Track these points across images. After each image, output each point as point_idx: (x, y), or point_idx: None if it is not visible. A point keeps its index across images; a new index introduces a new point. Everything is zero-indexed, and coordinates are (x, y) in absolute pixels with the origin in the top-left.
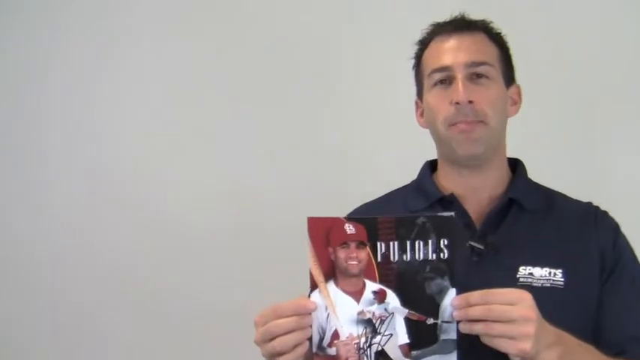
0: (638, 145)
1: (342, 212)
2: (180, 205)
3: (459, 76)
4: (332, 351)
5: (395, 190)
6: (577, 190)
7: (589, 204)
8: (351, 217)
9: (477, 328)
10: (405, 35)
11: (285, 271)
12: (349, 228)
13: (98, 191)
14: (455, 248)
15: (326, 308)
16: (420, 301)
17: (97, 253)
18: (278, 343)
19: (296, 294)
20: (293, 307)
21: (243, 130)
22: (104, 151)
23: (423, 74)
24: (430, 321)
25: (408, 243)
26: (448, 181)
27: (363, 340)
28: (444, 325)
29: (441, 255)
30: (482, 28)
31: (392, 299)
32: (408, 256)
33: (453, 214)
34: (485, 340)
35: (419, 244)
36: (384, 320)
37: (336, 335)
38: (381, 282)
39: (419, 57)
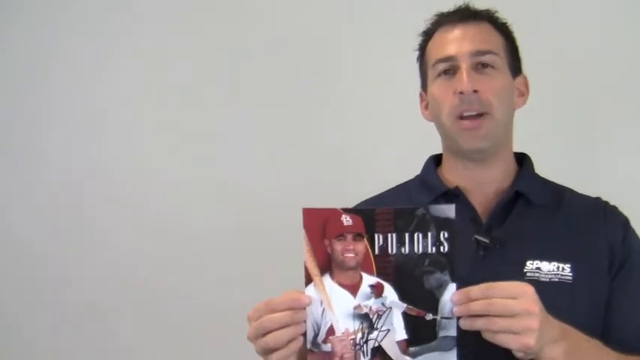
0: (638, 145)
1: None
2: (180, 205)
3: (464, 65)
4: (327, 347)
5: (398, 185)
6: (577, 190)
7: (598, 199)
8: (348, 209)
9: (478, 324)
10: (405, 35)
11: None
12: (346, 219)
13: (98, 191)
14: (455, 241)
15: (321, 303)
16: (419, 296)
17: (96, 253)
18: (271, 339)
19: None
20: (287, 302)
21: (243, 130)
22: (104, 151)
23: (427, 65)
24: (429, 316)
25: (407, 235)
26: (453, 174)
27: (359, 335)
28: (444, 321)
29: (441, 248)
30: (487, 17)
31: (390, 293)
32: (406, 249)
33: (453, 205)
34: (487, 336)
35: (418, 236)
36: (382, 315)
37: (331, 331)
38: (379, 275)
39: (423, 48)
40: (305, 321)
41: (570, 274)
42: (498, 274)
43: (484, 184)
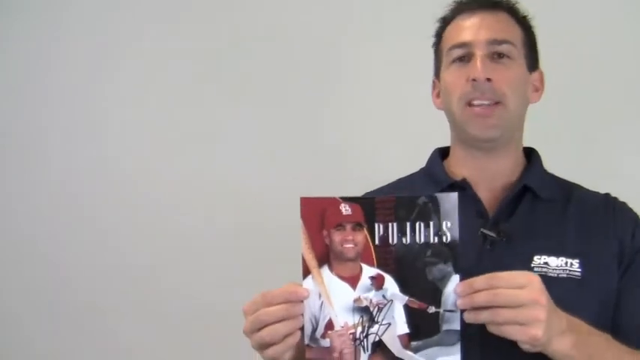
0: (638, 145)
1: None
2: (180, 205)
3: (479, 53)
4: (325, 342)
5: (402, 178)
6: None
7: (607, 195)
8: (347, 197)
9: (483, 317)
10: (405, 36)
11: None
12: (345, 209)
13: (98, 191)
14: (458, 231)
15: (319, 296)
16: (421, 288)
17: (96, 253)
18: (267, 333)
19: None
20: (284, 294)
21: (243, 130)
22: (103, 151)
23: (442, 52)
24: (432, 309)
25: (408, 225)
26: (460, 166)
27: (359, 329)
28: (447, 314)
29: (444, 238)
30: (507, 8)
31: (390, 285)
32: (407, 239)
33: (456, 193)
34: (492, 329)
35: (419, 225)
36: (382, 308)
37: (330, 325)
38: (379, 267)
39: (439, 34)
40: (302, 315)
41: (579, 270)
42: (505, 268)
43: (492, 176)
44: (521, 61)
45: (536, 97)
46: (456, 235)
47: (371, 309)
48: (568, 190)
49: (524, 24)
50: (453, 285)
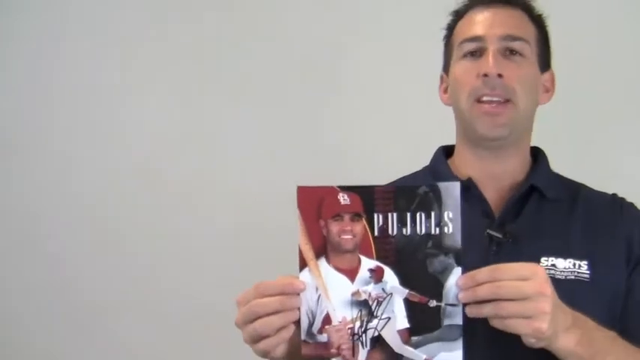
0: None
1: None
2: (181, 205)
3: (491, 48)
4: (323, 338)
5: (406, 176)
6: None
7: (614, 195)
8: (346, 186)
9: (486, 310)
10: (405, 35)
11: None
12: (343, 198)
13: (98, 191)
14: (461, 224)
15: (316, 289)
16: (422, 281)
17: (96, 253)
18: (260, 325)
19: None
20: (279, 286)
21: (243, 130)
22: (103, 151)
23: (453, 45)
24: (432, 303)
25: (409, 215)
26: (466, 165)
27: (357, 324)
28: (449, 308)
29: (445, 229)
30: (522, 5)
31: (390, 278)
32: (408, 230)
33: (458, 182)
34: (496, 323)
35: (420, 216)
36: (382, 302)
37: (327, 319)
38: (378, 259)
39: (451, 28)
40: (299, 308)
41: (587, 272)
42: None
43: (498, 176)
44: (533, 59)
45: (546, 98)
46: (458, 225)
47: (370, 303)
48: (574, 190)
49: (538, 22)
50: (455, 278)
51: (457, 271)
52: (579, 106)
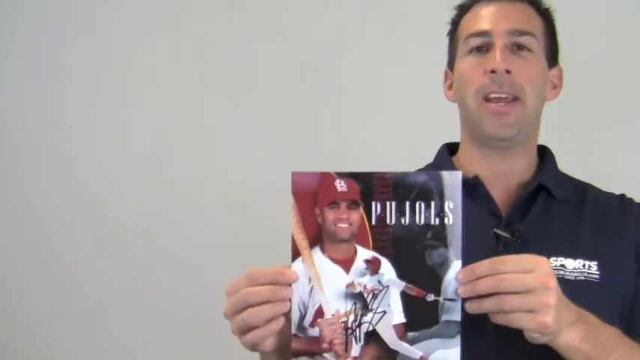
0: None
1: None
2: (181, 205)
3: (499, 43)
4: (314, 332)
5: None
6: None
7: (623, 195)
8: (343, 173)
9: (487, 305)
10: (405, 36)
11: None
12: (340, 185)
13: (97, 191)
14: (461, 213)
15: (309, 280)
16: (420, 274)
17: (96, 253)
18: (248, 315)
19: None
20: (270, 275)
21: (243, 129)
22: (103, 151)
23: (458, 41)
24: (430, 297)
25: (408, 204)
26: (472, 163)
27: (351, 318)
28: (447, 303)
29: (446, 220)
30: None
31: (387, 270)
32: (406, 220)
33: (460, 172)
34: (498, 319)
35: (420, 205)
36: (377, 295)
37: (320, 312)
38: (375, 249)
39: (456, 23)
40: (290, 300)
41: (597, 273)
42: None
43: (505, 175)
44: (541, 55)
45: (554, 94)
46: (459, 217)
47: (365, 295)
48: (582, 190)
49: (545, 16)
50: (454, 271)
51: (457, 264)
52: (579, 106)
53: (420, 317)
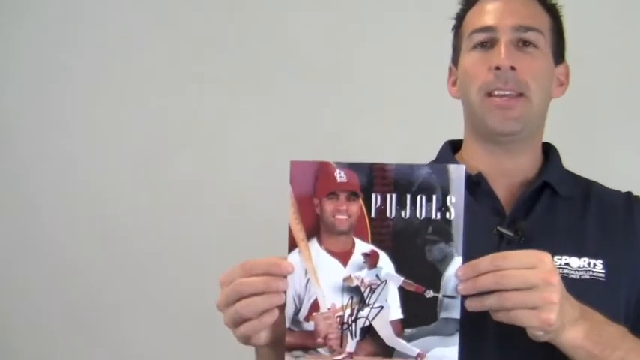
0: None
1: None
2: (181, 205)
3: (503, 39)
4: (309, 326)
5: None
6: None
7: (629, 193)
8: (343, 163)
9: (489, 302)
10: (406, 36)
11: None
12: (339, 175)
13: (97, 191)
14: (464, 208)
15: (305, 272)
16: (419, 269)
17: (96, 253)
18: (241, 306)
19: None
20: (265, 266)
21: (243, 130)
22: (105, 151)
23: (463, 36)
24: (429, 294)
25: (409, 197)
26: (475, 161)
27: (347, 312)
28: (446, 300)
29: (447, 215)
30: None
31: (385, 264)
32: (407, 213)
33: (464, 166)
34: (499, 316)
35: (421, 199)
36: (375, 289)
37: (315, 306)
38: (374, 242)
39: (461, 17)
40: (284, 292)
41: (603, 271)
42: None
43: (509, 172)
44: (547, 51)
45: (560, 91)
46: (461, 211)
47: (362, 289)
48: (587, 187)
49: (552, 12)
50: (455, 268)
51: (457, 260)
52: (579, 106)
53: (418, 314)
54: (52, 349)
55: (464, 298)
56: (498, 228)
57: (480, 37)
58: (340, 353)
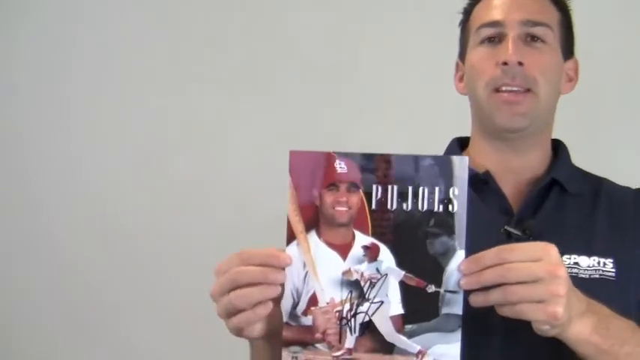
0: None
1: None
2: (181, 205)
3: (511, 34)
4: (307, 320)
5: None
6: None
7: (639, 190)
8: (344, 153)
9: (494, 297)
10: (406, 36)
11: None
12: (340, 166)
13: (97, 191)
14: (466, 200)
15: (304, 266)
16: (421, 263)
17: (96, 253)
18: (235, 296)
19: None
20: (263, 257)
21: (243, 129)
22: (105, 151)
23: (470, 31)
24: (431, 289)
25: (410, 189)
26: (482, 158)
27: (346, 307)
28: (448, 295)
29: (450, 207)
30: None
31: (386, 257)
32: (408, 205)
33: (467, 157)
34: (504, 311)
35: (423, 190)
36: (375, 284)
37: (314, 300)
38: (374, 235)
39: (468, 12)
40: (282, 285)
41: (613, 270)
42: None
43: (517, 170)
44: (556, 47)
45: (569, 87)
46: (464, 204)
47: (362, 284)
48: (597, 184)
49: (561, 6)
50: (457, 262)
51: (460, 254)
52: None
53: (419, 309)
54: (52, 349)
55: (467, 293)
56: (506, 227)
57: (488, 31)
58: (339, 349)
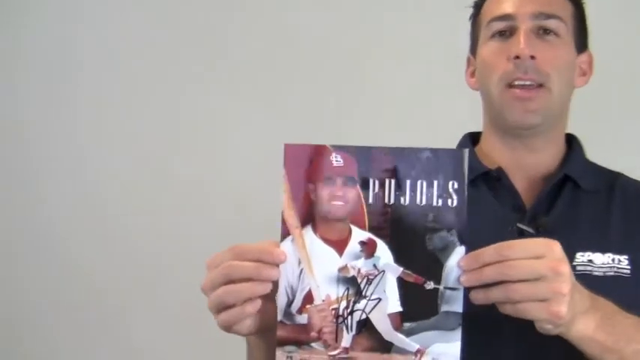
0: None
1: None
2: (183, 205)
3: (523, 27)
4: (302, 319)
5: None
6: None
7: None
8: (340, 146)
9: (495, 295)
10: (406, 36)
11: None
12: (336, 159)
13: (100, 191)
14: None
15: (299, 262)
16: (419, 259)
17: (98, 253)
18: (224, 292)
19: None
20: (256, 252)
21: (244, 129)
22: (106, 151)
23: (481, 25)
24: (430, 285)
25: (408, 183)
26: (494, 154)
27: (343, 304)
28: (448, 292)
29: (449, 201)
30: None
31: (383, 253)
32: (406, 199)
33: (467, 149)
34: (506, 309)
35: (421, 184)
36: (372, 280)
37: (309, 298)
38: (371, 230)
39: (479, 6)
40: (272, 282)
41: (628, 267)
42: None
43: (530, 167)
44: (569, 40)
45: (583, 81)
46: (464, 198)
47: (359, 280)
48: (612, 179)
49: None
50: (457, 258)
51: (460, 250)
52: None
53: (418, 306)
54: (53, 348)
55: (467, 290)
56: (518, 224)
57: (499, 25)
58: (335, 348)
